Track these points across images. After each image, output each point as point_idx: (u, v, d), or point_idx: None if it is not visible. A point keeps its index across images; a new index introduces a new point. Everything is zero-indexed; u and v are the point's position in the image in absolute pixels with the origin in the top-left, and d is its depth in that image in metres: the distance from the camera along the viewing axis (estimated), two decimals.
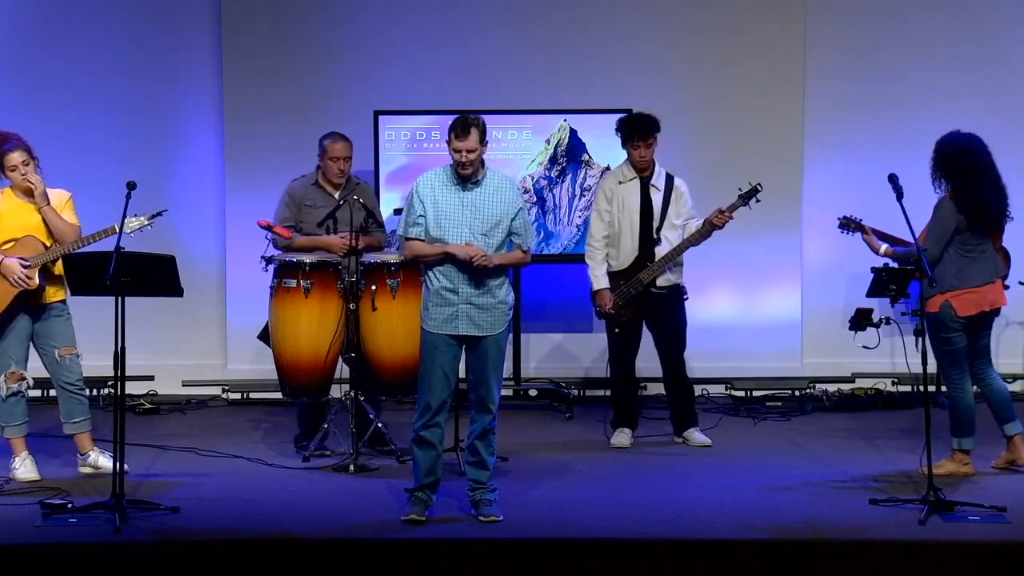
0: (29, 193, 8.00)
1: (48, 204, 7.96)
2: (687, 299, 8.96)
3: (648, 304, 8.85)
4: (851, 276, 10.27)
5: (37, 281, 7.91)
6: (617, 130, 8.86)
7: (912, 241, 7.63)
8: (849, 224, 8.37)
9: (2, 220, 8.00)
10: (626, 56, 10.55)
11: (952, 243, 7.89)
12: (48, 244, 7.97)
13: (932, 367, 9.33)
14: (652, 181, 8.87)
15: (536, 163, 10.17)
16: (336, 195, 8.80)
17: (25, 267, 7.88)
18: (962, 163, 7.89)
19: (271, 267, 8.60)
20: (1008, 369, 10.27)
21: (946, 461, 8.05)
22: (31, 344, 8.09)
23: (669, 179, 8.89)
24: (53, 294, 8.03)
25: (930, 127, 10.48)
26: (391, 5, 10.57)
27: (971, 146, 7.94)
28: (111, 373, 7.31)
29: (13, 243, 7.96)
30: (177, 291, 7.50)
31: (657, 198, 8.85)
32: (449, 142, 7.19)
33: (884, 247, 8.04)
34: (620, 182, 8.90)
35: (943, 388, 10.29)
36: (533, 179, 10.14)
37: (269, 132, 10.49)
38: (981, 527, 7.07)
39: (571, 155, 10.16)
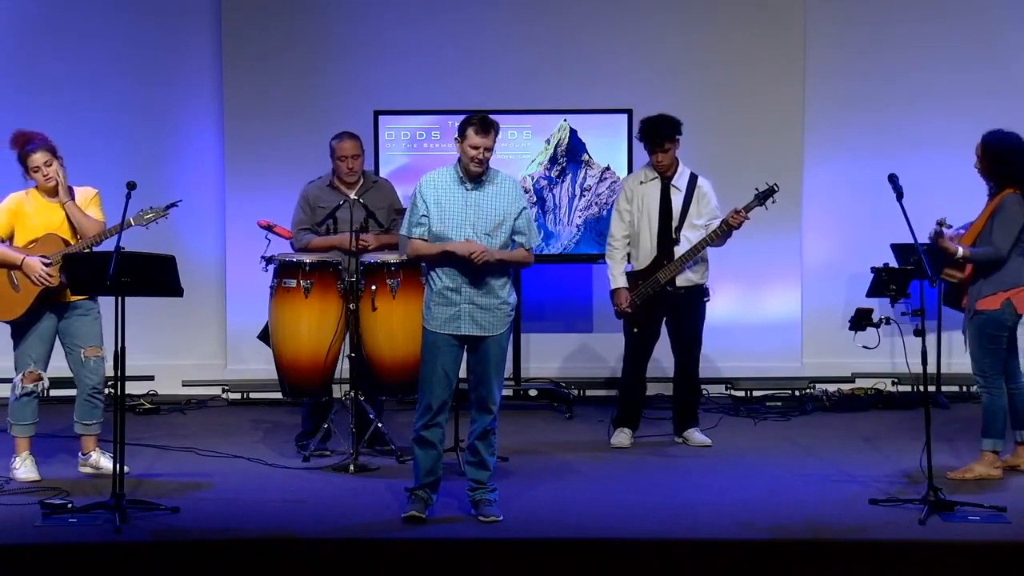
0: (54, 193, 8.00)
1: (71, 200, 7.96)
2: (708, 300, 8.94)
3: (668, 304, 8.84)
4: (851, 276, 10.28)
5: (59, 279, 7.89)
6: (639, 131, 8.89)
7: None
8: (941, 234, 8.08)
9: (27, 220, 8.00)
10: (626, 56, 10.55)
11: (1015, 241, 7.85)
12: (72, 242, 7.96)
13: (932, 367, 9.36)
14: (673, 181, 8.85)
15: (536, 163, 10.17)
16: (351, 194, 8.81)
17: (46, 265, 7.87)
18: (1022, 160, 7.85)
19: (271, 267, 8.60)
20: None
21: (976, 464, 7.97)
22: (58, 342, 8.08)
23: (692, 179, 8.86)
24: None
25: (930, 127, 10.59)
26: (391, 5, 10.57)
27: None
28: (111, 373, 7.31)
29: (35, 243, 7.96)
30: (177, 291, 7.50)
31: (677, 198, 8.83)
32: (463, 138, 7.18)
33: (961, 249, 7.88)
34: (641, 182, 8.89)
35: (942, 388, 10.35)
36: (533, 179, 10.14)
37: (269, 132, 10.49)
38: (981, 527, 7.06)
39: (571, 155, 10.15)
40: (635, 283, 8.84)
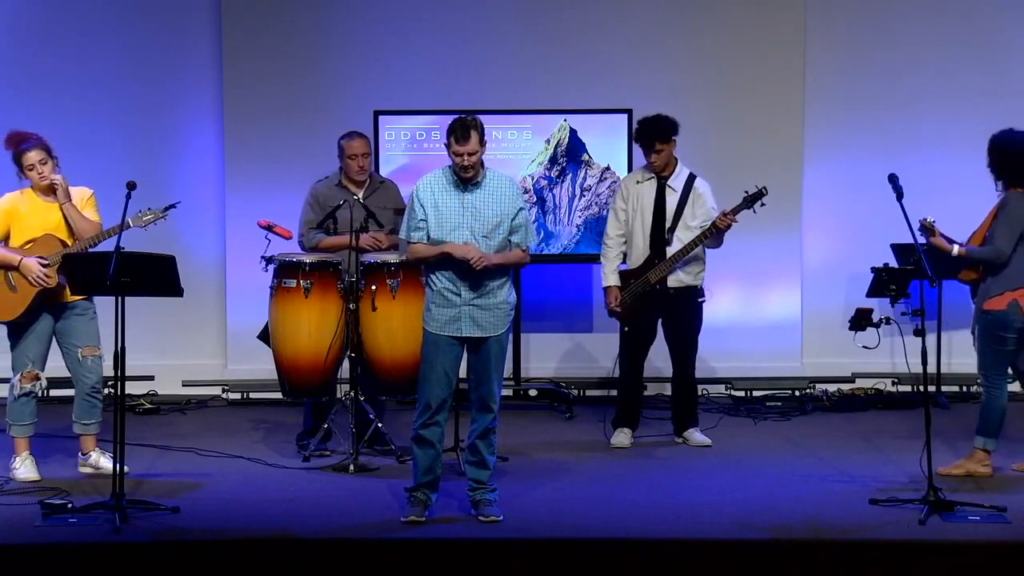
0: (49, 192, 8.00)
1: (69, 201, 7.96)
2: (703, 301, 8.93)
3: (662, 304, 8.84)
4: (851, 276, 10.28)
5: (57, 279, 7.89)
6: (634, 131, 8.91)
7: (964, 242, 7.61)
8: (931, 228, 8.10)
9: (23, 220, 7.99)
10: (626, 56, 10.55)
11: (1019, 240, 7.82)
12: (69, 243, 7.96)
13: (932, 367, 9.36)
14: (669, 181, 8.85)
15: (536, 163, 10.17)
16: (360, 193, 8.82)
17: (44, 266, 7.87)
18: None
19: (271, 267, 8.61)
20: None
21: (965, 461, 7.98)
22: (55, 342, 8.08)
23: (690, 179, 8.85)
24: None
25: (930, 127, 10.60)
26: (391, 5, 10.57)
27: None
28: (111, 373, 7.31)
29: (32, 243, 7.96)
30: (177, 291, 7.50)
31: (672, 199, 8.82)
32: (448, 146, 7.17)
33: (956, 248, 7.86)
34: (638, 181, 8.90)
35: (942, 388, 10.36)
36: (533, 179, 10.14)
37: (269, 132, 10.49)
38: (981, 527, 7.06)
39: (571, 155, 10.16)
40: (627, 282, 8.85)
